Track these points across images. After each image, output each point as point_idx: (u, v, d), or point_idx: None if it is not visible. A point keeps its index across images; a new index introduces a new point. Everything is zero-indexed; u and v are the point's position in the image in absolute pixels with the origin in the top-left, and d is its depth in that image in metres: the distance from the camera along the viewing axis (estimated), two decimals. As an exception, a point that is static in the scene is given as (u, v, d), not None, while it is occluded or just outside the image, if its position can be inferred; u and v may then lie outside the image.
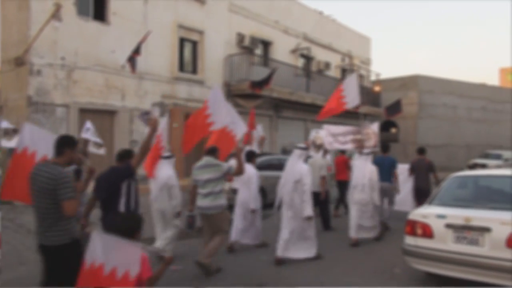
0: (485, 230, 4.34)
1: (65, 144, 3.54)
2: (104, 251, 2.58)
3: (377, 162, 7.50)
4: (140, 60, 10.99)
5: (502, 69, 59.66)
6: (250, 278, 5.30)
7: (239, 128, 6.46)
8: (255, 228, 6.62)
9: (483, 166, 19.74)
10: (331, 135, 7.95)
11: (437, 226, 4.66)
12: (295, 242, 5.86)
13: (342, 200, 9.41)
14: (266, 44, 17.16)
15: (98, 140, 7.10)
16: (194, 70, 14.36)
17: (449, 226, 4.58)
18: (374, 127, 8.25)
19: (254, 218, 6.57)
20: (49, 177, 3.27)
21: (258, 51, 16.79)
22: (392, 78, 25.27)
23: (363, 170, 6.93)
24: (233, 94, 15.02)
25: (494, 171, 7.19)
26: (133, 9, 12.22)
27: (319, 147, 7.89)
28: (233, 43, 15.40)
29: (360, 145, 7.64)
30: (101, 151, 7.15)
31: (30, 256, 5.56)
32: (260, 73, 14.99)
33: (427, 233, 4.72)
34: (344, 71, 22.00)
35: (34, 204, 3.40)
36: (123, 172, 4.13)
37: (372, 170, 6.98)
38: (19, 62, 10.17)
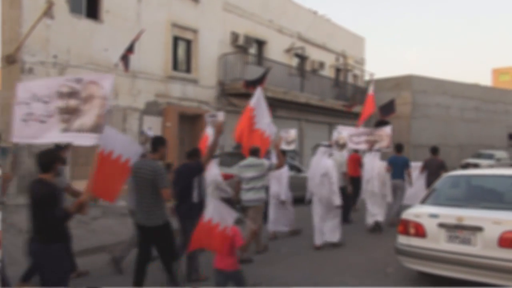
0: (477, 229, 4.35)
1: (159, 143, 4.51)
2: (216, 212, 3.69)
3: (391, 161, 8.42)
4: (133, 58, 10.91)
5: (495, 70, 60.16)
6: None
7: (272, 128, 7.10)
8: (287, 217, 7.50)
9: (476, 165, 19.90)
10: (346, 136, 8.71)
11: (429, 225, 4.68)
12: (324, 228, 6.72)
13: (356, 195, 9.67)
14: (260, 44, 17.13)
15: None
16: (188, 69, 14.30)
17: (441, 225, 4.59)
18: (387, 129, 8.87)
19: (285, 208, 7.45)
20: (150, 170, 4.24)
21: (252, 50, 16.76)
22: (386, 78, 25.37)
23: (372, 165, 7.95)
24: (227, 93, 14.98)
25: (487, 170, 7.24)
26: (126, 7, 12.13)
27: (342, 146, 8.51)
28: (227, 42, 15.36)
29: (372, 146, 8.50)
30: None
31: (19, 257, 5.49)
32: (254, 72, 14.95)
33: (420, 232, 4.73)
34: (338, 71, 22.05)
35: (137, 193, 4.41)
36: (195, 168, 4.85)
37: (380, 165, 7.99)
38: (11, 60, 10.06)
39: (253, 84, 13.51)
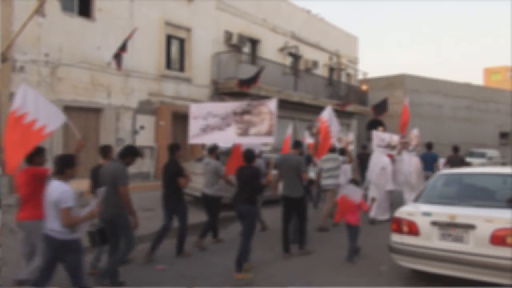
0: (470, 227, 4.39)
1: (298, 143, 6.78)
2: (351, 191, 6.03)
3: (423, 157, 10.27)
4: (126, 57, 10.87)
5: (486, 69, 60.71)
6: (237, 276, 5.27)
7: (336, 127, 8.84)
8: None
9: (468, 164, 20.03)
10: (379, 139, 9.77)
11: (422, 223, 4.70)
12: (378, 209, 8.57)
13: None
14: (254, 42, 17.11)
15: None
16: (182, 68, 14.24)
17: (434, 223, 4.62)
18: (416, 132, 10.63)
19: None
20: (295, 160, 6.30)
21: (246, 49, 16.73)
22: (379, 77, 25.48)
23: (410, 161, 9.36)
24: (220, 92, 14.95)
25: (479, 169, 7.30)
26: (119, 6, 12.05)
27: (393, 147, 9.86)
28: (221, 41, 15.32)
29: (405, 146, 9.85)
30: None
31: (12, 257, 5.44)
32: (248, 71, 14.93)
33: (413, 230, 4.76)
34: (332, 70, 22.09)
35: (285, 175, 6.28)
36: (257, 171, 5.64)
37: (416, 161, 9.46)
38: (2, 58, 9.94)
39: (247, 83, 13.51)
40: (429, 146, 10.89)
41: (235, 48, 15.63)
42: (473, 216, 4.46)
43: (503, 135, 30.61)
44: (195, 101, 14.34)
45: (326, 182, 8.15)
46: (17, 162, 4.54)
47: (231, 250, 6.33)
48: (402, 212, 5.02)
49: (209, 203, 6.79)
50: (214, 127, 6.40)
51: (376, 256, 6.08)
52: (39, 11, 9.02)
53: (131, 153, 5.00)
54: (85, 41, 11.23)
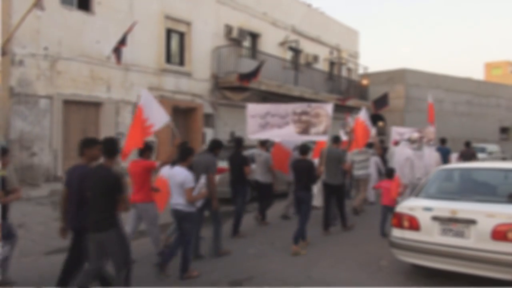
0: (471, 222, 4.37)
1: (337, 139, 7.75)
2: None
3: (437, 150, 10.69)
4: (126, 51, 10.78)
5: (487, 64, 60.49)
6: (237, 271, 5.27)
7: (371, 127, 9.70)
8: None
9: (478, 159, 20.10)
10: (398, 134, 10.54)
11: (423, 218, 4.69)
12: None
13: None
14: (254, 36, 17.02)
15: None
16: (181, 62, 14.17)
17: (435, 218, 4.60)
18: (432, 128, 10.91)
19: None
20: (338, 153, 7.42)
21: (246, 43, 16.65)
22: (379, 71, 25.39)
23: (430, 155, 9.81)
24: (220, 87, 14.90)
25: (480, 164, 7.28)
26: (118, -1, 11.96)
27: (413, 141, 10.25)
28: (221, 35, 15.24)
29: (424, 141, 10.28)
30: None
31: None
32: (248, 65, 14.87)
33: (414, 225, 4.74)
34: (332, 64, 22.01)
35: (327, 166, 7.08)
36: (312, 163, 6.47)
37: (436, 155, 10.02)
38: (1, 52, 9.88)
39: (247, 77, 13.46)
40: (443, 141, 11.87)
41: (235, 42, 15.55)
42: (474, 211, 4.44)
43: (504, 130, 30.56)
44: (195, 95, 14.31)
45: (358, 172, 9.18)
46: (128, 152, 5.59)
47: (235, 242, 6.35)
48: (403, 207, 5.00)
49: (261, 189, 7.91)
50: (274, 125, 7.28)
51: (376, 251, 6.07)
52: (38, 4, 8.93)
53: (218, 145, 6.12)
54: (85, 34, 11.17)
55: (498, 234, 4.18)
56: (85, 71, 11.21)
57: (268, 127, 7.29)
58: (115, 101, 11.92)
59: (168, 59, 13.69)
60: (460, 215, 4.45)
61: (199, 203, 5.31)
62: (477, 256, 4.27)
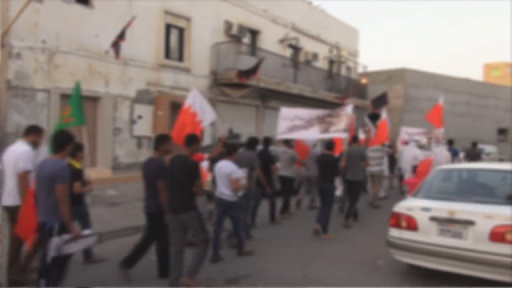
0: (469, 223, 4.35)
1: (356, 138, 8.39)
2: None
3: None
4: (124, 46, 10.71)
5: (486, 65, 60.55)
6: (233, 268, 5.24)
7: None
8: None
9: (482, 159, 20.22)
10: (407, 134, 11.05)
11: (421, 218, 4.67)
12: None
13: None
14: (254, 33, 16.95)
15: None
16: (180, 58, 14.09)
17: (433, 219, 4.59)
18: (441, 130, 11.01)
19: None
20: (360, 151, 8.14)
21: (246, 40, 16.57)
22: (378, 70, 25.34)
23: (442, 154, 9.95)
24: (219, 83, 14.83)
25: (479, 165, 7.26)
26: (118, -7, 11.86)
27: (421, 146, 11.05)
28: (221, 31, 15.16)
29: (430, 140, 11.04)
30: None
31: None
32: (247, 62, 14.80)
33: (412, 225, 4.73)
34: (332, 63, 21.95)
35: (350, 163, 7.88)
36: (335, 158, 7.36)
37: (447, 154, 10.19)
38: (-2, 44, 9.80)
39: (246, 74, 13.40)
40: (450, 142, 12.41)
41: (235, 38, 15.48)
42: (472, 212, 4.42)
43: (502, 131, 30.61)
44: (193, 91, 14.24)
45: (373, 168, 9.75)
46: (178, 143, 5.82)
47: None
48: (401, 206, 4.98)
49: (285, 183, 8.41)
50: (300, 127, 8.14)
51: (373, 251, 6.06)
52: (36, -4, 8.85)
53: (255, 142, 6.98)
54: (83, 28, 11.07)
55: (496, 236, 4.17)
56: (83, 65, 11.12)
57: (295, 129, 8.17)
58: (113, 96, 11.85)
59: (167, 54, 13.61)
60: (458, 216, 4.43)
61: (240, 193, 5.90)
62: (475, 257, 4.25)
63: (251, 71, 13.19)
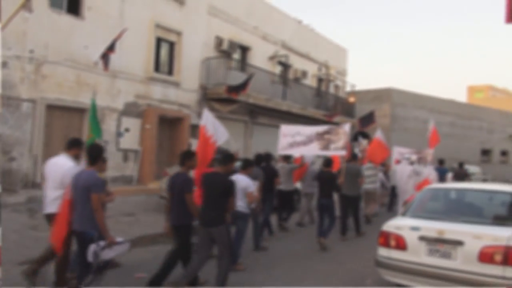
0: (458, 243, 4.33)
1: (355, 156, 9.27)
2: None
3: (436, 170, 11.25)
4: (114, 57, 10.64)
5: (470, 87, 62.00)
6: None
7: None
8: None
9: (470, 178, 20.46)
10: (399, 153, 11.37)
11: (410, 238, 4.63)
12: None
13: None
14: (244, 49, 17.07)
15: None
16: (170, 71, 14.07)
17: (422, 238, 4.55)
18: (430, 151, 11.49)
19: None
20: (357, 169, 8.66)
21: (236, 55, 16.67)
22: (366, 90, 25.68)
23: (430, 174, 10.18)
24: (208, 98, 14.81)
25: (467, 184, 7.31)
26: (109, 5, 11.86)
27: (412, 162, 11.12)
28: (211, 46, 15.22)
29: (423, 160, 11.09)
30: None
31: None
32: (237, 78, 14.85)
33: (401, 245, 4.68)
34: (321, 81, 22.19)
35: (348, 179, 8.29)
36: (334, 175, 7.86)
37: (434, 174, 10.32)
38: (-16, 52, 9.63)
39: (235, 90, 13.41)
40: (440, 161, 12.86)
41: (225, 54, 15.55)
42: (461, 232, 4.40)
43: (485, 152, 31.14)
44: (182, 105, 14.20)
45: (367, 186, 10.00)
46: (203, 166, 5.92)
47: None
48: (390, 225, 4.94)
49: (284, 197, 8.67)
50: (300, 143, 8.45)
51: (361, 270, 5.99)
52: (26, 5, 8.73)
53: (261, 159, 7.66)
54: (73, 39, 10.99)
55: (485, 256, 4.14)
56: (71, 76, 11.00)
57: (296, 145, 8.49)
58: (100, 108, 11.67)
59: (157, 68, 13.57)
60: (448, 236, 4.41)
61: (253, 205, 6.26)
62: (464, 278, 4.21)
63: (241, 87, 13.21)
